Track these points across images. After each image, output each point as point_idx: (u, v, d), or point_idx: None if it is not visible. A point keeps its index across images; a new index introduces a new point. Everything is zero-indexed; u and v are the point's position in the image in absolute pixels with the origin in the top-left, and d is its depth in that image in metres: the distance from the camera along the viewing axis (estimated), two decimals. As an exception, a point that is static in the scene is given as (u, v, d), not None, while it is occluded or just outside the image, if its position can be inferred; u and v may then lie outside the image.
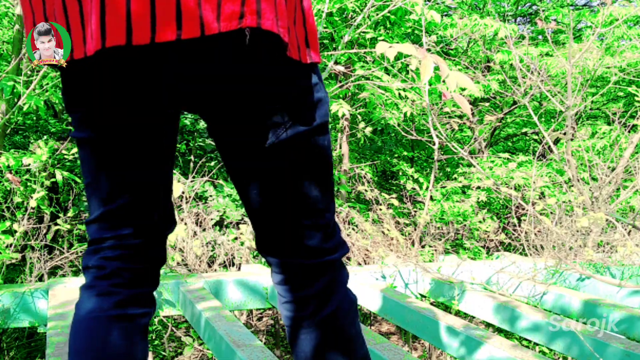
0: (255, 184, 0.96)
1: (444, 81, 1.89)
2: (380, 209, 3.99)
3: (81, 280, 2.45)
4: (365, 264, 3.62)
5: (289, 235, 0.99)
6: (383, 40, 4.61)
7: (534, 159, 4.29)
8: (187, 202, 3.58)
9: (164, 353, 4.65)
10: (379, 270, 2.91)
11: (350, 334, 1.03)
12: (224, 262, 3.35)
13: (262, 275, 2.70)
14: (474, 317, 2.88)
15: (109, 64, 0.86)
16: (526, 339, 3.02)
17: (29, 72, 3.82)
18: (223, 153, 0.98)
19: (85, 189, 0.98)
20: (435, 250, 4.00)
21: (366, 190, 4.20)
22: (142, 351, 0.97)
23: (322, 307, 1.01)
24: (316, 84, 0.95)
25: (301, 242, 0.99)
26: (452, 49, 6.80)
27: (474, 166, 4.64)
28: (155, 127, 0.93)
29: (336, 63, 4.81)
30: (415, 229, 3.99)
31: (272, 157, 0.93)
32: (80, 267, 3.36)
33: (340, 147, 5.47)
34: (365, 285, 2.64)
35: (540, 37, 7.18)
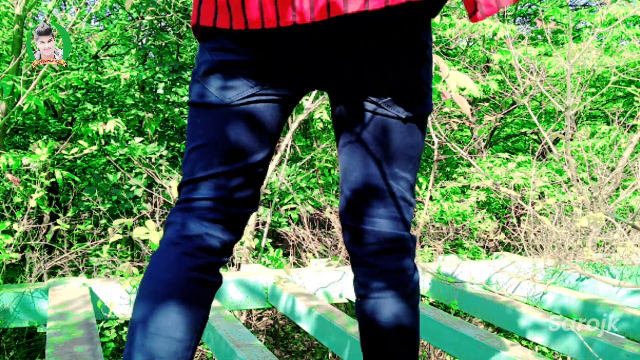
0: (372, 151, 1.01)
1: (444, 81, 1.89)
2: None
3: (81, 279, 2.46)
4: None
5: (392, 205, 1.03)
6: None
7: (533, 159, 4.29)
8: (186, 202, 3.58)
9: (163, 353, 4.64)
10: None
11: (418, 312, 1.07)
12: (224, 262, 3.35)
13: (262, 275, 2.70)
14: (473, 317, 2.89)
15: (280, 37, 0.92)
16: (526, 339, 3.02)
17: (28, 72, 3.82)
18: (351, 120, 1.01)
19: (190, 152, 1.00)
20: (435, 250, 4.00)
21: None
22: (205, 320, 0.98)
23: (409, 280, 1.05)
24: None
25: (401, 214, 1.04)
26: (451, 49, 6.81)
27: (474, 166, 4.64)
28: (288, 104, 1.00)
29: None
30: (414, 229, 4.00)
31: (399, 129, 1.00)
32: (80, 267, 3.37)
33: (340, 147, 5.47)
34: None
35: (539, 37, 7.18)
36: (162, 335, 0.91)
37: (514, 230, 3.73)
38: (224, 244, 1.00)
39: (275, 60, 0.95)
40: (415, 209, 4.81)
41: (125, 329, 4.16)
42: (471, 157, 4.71)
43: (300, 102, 4.59)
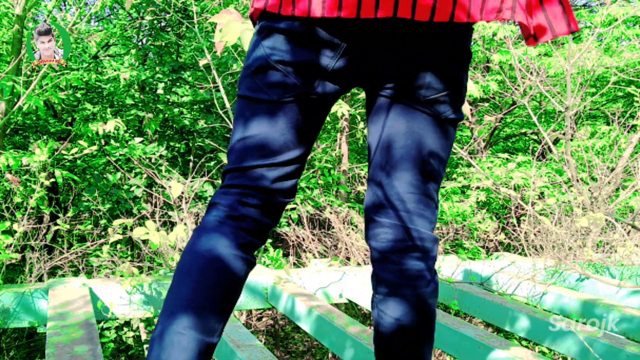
0: (410, 147, 1.04)
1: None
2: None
3: (81, 280, 2.46)
4: (365, 264, 3.62)
5: (417, 199, 1.05)
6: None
7: (533, 159, 4.29)
8: (186, 202, 3.58)
9: (163, 353, 4.64)
10: (379, 271, 2.91)
11: (435, 313, 1.08)
12: (224, 262, 3.35)
13: (262, 275, 2.70)
14: (473, 317, 2.89)
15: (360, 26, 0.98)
16: (526, 339, 3.02)
17: (28, 72, 3.82)
18: (396, 117, 1.05)
19: (237, 142, 1.06)
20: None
21: (366, 190, 4.20)
22: (239, 296, 1.04)
23: (430, 280, 1.06)
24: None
25: (430, 214, 1.07)
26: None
27: (474, 166, 4.64)
28: (331, 100, 1.06)
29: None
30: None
31: (437, 129, 1.04)
32: (80, 267, 3.37)
33: (340, 147, 5.48)
34: (365, 285, 2.64)
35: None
36: (200, 306, 0.96)
37: (514, 230, 3.73)
38: (263, 228, 1.07)
39: (327, 58, 1.00)
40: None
41: (125, 329, 4.16)
42: (471, 157, 4.71)
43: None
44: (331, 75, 1.02)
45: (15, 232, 2.85)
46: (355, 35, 0.98)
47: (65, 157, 3.71)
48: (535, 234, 3.34)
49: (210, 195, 4.84)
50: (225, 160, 3.71)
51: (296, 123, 1.03)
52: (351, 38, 0.98)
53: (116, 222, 2.82)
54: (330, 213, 4.01)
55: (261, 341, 3.72)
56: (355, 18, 0.94)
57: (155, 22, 6.22)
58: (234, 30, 1.89)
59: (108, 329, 4.11)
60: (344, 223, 4.01)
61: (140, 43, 6.79)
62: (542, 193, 4.88)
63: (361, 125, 4.96)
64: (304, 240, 4.04)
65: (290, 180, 1.07)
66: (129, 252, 4.88)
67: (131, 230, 2.85)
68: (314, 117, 1.06)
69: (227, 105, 4.06)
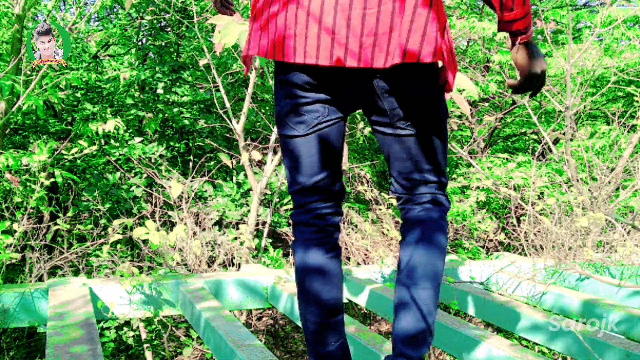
0: (409, 146, 1.38)
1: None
2: (380, 209, 4.00)
3: (81, 280, 2.46)
4: (365, 264, 3.62)
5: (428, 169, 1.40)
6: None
7: (533, 159, 4.29)
8: (186, 202, 3.58)
9: (163, 353, 4.64)
10: (379, 270, 2.91)
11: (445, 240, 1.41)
12: (224, 262, 3.35)
13: (261, 275, 2.70)
14: (473, 317, 2.89)
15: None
16: (526, 339, 3.03)
17: (28, 72, 3.82)
18: (390, 131, 1.37)
19: (288, 169, 1.41)
20: (435, 250, 3.99)
21: (365, 191, 4.20)
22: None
23: (445, 213, 1.43)
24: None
25: (429, 175, 1.41)
26: (451, 49, 6.79)
27: (474, 166, 4.64)
28: (342, 121, 1.38)
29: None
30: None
31: (428, 131, 1.36)
32: (80, 267, 3.36)
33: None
34: (365, 286, 2.64)
35: (539, 37, 7.18)
36: (323, 298, 1.36)
37: (514, 230, 3.73)
38: (337, 224, 1.42)
39: (334, 95, 1.32)
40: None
41: (125, 329, 4.16)
42: (471, 157, 4.71)
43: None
44: (337, 106, 1.33)
45: (15, 232, 2.85)
46: (350, 78, 1.29)
47: (65, 157, 3.71)
48: (535, 234, 3.34)
49: (210, 195, 4.84)
50: (224, 160, 3.72)
51: (321, 146, 1.35)
52: (348, 80, 1.30)
53: (116, 222, 2.82)
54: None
55: (261, 341, 3.72)
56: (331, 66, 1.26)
57: (155, 21, 6.22)
58: (233, 31, 1.89)
59: (108, 328, 4.11)
60: (343, 223, 4.01)
61: (140, 43, 6.79)
62: (542, 193, 4.88)
63: (360, 125, 4.96)
64: (303, 240, 4.03)
65: (336, 183, 1.41)
66: (129, 252, 4.88)
67: (131, 230, 2.85)
68: (333, 137, 1.36)
69: (227, 105, 4.06)
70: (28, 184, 3.34)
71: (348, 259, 3.89)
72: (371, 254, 3.57)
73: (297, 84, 1.31)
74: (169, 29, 6.39)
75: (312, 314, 1.38)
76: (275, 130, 4.15)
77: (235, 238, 3.44)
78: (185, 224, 3.31)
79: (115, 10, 7.23)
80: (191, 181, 4.05)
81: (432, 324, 1.31)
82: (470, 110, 6.47)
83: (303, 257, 1.38)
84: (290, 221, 1.49)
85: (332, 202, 1.41)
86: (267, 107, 7.20)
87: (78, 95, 5.87)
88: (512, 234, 3.80)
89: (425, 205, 1.42)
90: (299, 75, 1.30)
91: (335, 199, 1.43)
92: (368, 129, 5.15)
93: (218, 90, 4.48)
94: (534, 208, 3.44)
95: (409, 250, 1.37)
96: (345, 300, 2.80)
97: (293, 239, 1.43)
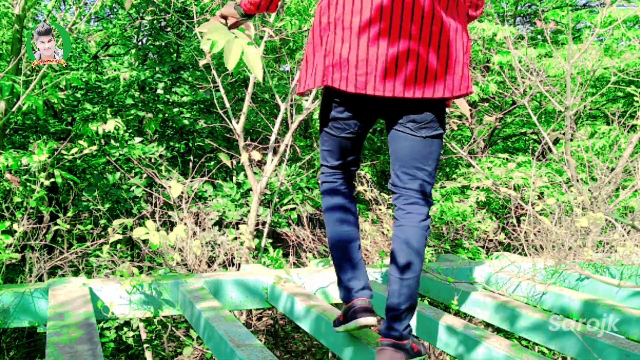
0: (409, 151, 1.83)
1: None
2: (380, 209, 4.00)
3: (81, 280, 2.46)
4: (365, 264, 3.61)
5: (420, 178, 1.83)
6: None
7: (533, 159, 4.29)
8: (186, 202, 3.58)
9: (163, 353, 4.64)
10: (379, 270, 2.91)
11: (424, 240, 1.80)
12: (224, 262, 3.35)
13: (261, 275, 2.70)
14: (473, 317, 2.89)
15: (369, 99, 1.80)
16: (525, 339, 3.02)
17: (28, 72, 3.82)
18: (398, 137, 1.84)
19: (323, 151, 1.94)
20: (435, 250, 4.00)
21: (365, 191, 4.21)
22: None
23: (427, 217, 1.83)
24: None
25: (422, 185, 1.82)
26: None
27: (474, 166, 4.65)
28: (367, 127, 1.88)
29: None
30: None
31: (425, 141, 1.80)
32: (80, 267, 3.36)
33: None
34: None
35: (539, 37, 7.18)
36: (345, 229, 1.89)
37: (514, 230, 3.73)
38: (351, 183, 1.98)
39: (362, 112, 1.81)
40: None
41: (125, 329, 4.16)
42: (471, 157, 4.71)
43: (300, 102, 4.58)
44: (363, 120, 1.83)
45: (15, 232, 2.85)
46: (378, 102, 1.77)
47: (65, 157, 3.71)
48: (535, 234, 3.34)
49: (210, 195, 4.84)
50: (224, 160, 3.72)
51: (352, 143, 1.89)
52: (375, 102, 1.77)
53: (116, 222, 2.82)
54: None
55: (261, 341, 3.72)
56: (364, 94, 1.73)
57: (155, 22, 6.22)
58: (221, 35, 1.87)
59: (108, 328, 4.11)
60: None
61: (140, 43, 6.79)
62: (542, 193, 4.88)
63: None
64: (303, 240, 4.04)
65: (354, 164, 1.96)
66: (129, 252, 4.88)
67: (131, 230, 2.85)
68: (359, 138, 1.89)
69: (227, 105, 4.06)
70: (28, 184, 3.34)
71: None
72: (371, 254, 3.57)
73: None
74: (169, 29, 6.39)
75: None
76: (275, 130, 4.16)
77: (235, 238, 3.44)
78: (185, 224, 3.31)
79: (115, 10, 7.23)
80: (191, 181, 4.05)
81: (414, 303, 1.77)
82: (470, 110, 6.47)
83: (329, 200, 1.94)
84: (319, 182, 2.03)
85: (346, 176, 1.96)
86: (267, 107, 7.20)
87: (78, 95, 5.87)
88: (512, 234, 3.80)
89: (409, 205, 1.82)
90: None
91: (349, 174, 1.98)
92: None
93: (218, 90, 4.48)
94: (534, 208, 3.44)
95: (394, 244, 1.80)
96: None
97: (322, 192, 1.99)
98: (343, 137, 1.85)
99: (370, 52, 1.66)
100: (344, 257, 1.87)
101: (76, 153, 3.52)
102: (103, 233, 4.04)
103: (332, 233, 1.88)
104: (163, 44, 6.33)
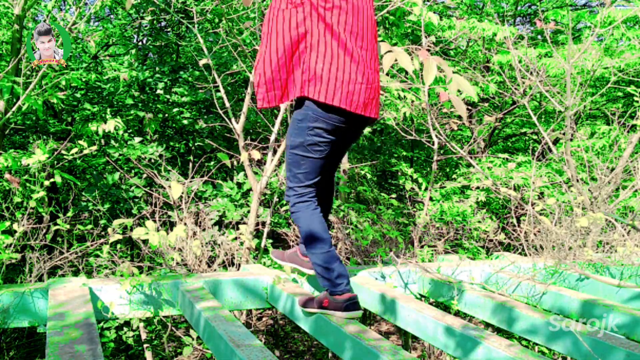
0: (336, 163, 2.47)
1: (441, 81, 1.91)
2: (380, 209, 3.99)
3: (81, 280, 2.46)
4: (365, 264, 3.62)
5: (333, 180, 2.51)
6: (382, 41, 4.60)
7: (533, 159, 4.29)
8: (186, 203, 3.58)
9: (163, 353, 4.64)
10: (379, 270, 2.91)
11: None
12: (224, 262, 3.35)
13: (261, 275, 2.70)
14: (473, 317, 2.89)
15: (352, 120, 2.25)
16: (525, 339, 3.02)
17: (28, 72, 3.82)
18: (336, 154, 2.38)
19: (298, 173, 2.24)
20: (435, 250, 4.00)
21: (365, 191, 4.20)
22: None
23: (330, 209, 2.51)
24: None
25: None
26: (451, 49, 6.81)
27: (473, 166, 4.65)
28: (343, 146, 2.38)
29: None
30: (414, 229, 4.00)
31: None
32: (80, 267, 3.37)
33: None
34: (365, 285, 2.64)
35: (539, 37, 7.19)
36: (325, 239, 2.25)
37: (514, 230, 3.73)
38: (322, 204, 2.38)
39: (340, 133, 2.22)
40: (415, 210, 4.81)
41: (125, 329, 4.16)
42: (471, 157, 4.71)
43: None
44: (339, 139, 2.25)
45: (15, 232, 2.85)
46: (355, 121, 2.23)
47: (65, 157, 3.71)
48: (535, 234, 3.34)
49: (209, 195, 4.84)
50: (224, 160, 3.72)
51: (327, 163, 2.30)
52: (353, 122, 2.24)
53: (116, 222, 2.82)
54: (330, 213, 4.00)
55: (261, 341, 3.71)
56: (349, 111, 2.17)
57: (155, 22, 6.22)
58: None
59: (108, 328, 4.11)
60: (343, 223, 4.01)
61: (140, 43, 6.79)
62: (542, 193, 4.88)
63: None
64: (303, 240, 4.03)
65: (326, 184, 2.43)
66: (129, 252, 4.88)
67: (131, 230, 2.85)
68: (335, 157, 2.37)
69: (227, 105, 4.06)
70: (28, 184, 3.34)
71: (348, 259, 3.89)
72: (371, 254, 3.57)
73: None
74: (169, 29, 6.39)
75: (321, 248, 2.21)
76: (275, 130, 4.16)
77: (235, 238, 3.44)
78: (185, 224, 3.31)
79: (115, 10, 7.23)
80: (191, 181, 4.05)
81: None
82: (470, 110, 6.47)
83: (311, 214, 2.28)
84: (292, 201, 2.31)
85: (318, 191, 2.32)
86: (267, 107, 7.18)
87: (78, 95, 5.87)
88: (512, 234, 3.80)
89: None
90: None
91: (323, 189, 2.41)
92: (368, 129, 5.15)
93: (218, 91, 4.48)
94: (534, 208, 3.44)
95: None
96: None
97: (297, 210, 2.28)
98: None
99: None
100: (334, 254, 2.24)
101: (76, 153, 3.52)
102: (103, 233, 4.04)
103: (321, 234, 2.26)
104: (163, 44, 6.33)
